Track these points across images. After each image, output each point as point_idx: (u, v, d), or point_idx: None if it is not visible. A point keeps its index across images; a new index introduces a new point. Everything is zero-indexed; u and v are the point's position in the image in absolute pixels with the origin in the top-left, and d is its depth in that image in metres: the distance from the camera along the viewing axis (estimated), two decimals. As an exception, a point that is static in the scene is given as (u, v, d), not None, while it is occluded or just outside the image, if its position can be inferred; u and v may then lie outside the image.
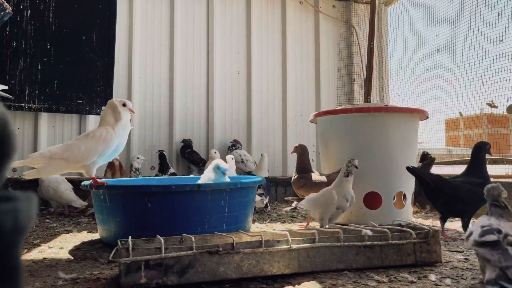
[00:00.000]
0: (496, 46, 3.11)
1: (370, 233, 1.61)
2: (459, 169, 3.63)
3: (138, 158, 3.59)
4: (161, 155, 3.81)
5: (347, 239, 1.57)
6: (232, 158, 3.42)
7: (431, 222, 2.83)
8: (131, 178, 3.23)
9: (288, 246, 1.49)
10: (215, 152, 3.74)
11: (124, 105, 2.09)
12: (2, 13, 2.21)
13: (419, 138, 2.90)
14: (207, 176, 2.32)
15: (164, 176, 3.62)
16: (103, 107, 2.16)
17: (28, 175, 1.97)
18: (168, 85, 4.22)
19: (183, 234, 1.60)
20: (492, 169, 3.25)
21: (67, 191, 3.10)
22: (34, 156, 1.98)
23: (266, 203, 3.36)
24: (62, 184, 3.11)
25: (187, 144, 4.09)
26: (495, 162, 3.37)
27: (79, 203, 3.11)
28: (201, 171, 4.00)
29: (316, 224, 2.43)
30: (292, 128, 4.59)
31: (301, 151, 2.95)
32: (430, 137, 3.89)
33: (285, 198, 2.75)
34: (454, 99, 3.57)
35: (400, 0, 4.61)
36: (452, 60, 3.62)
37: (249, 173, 3.86)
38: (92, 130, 2.09)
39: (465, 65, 3.43)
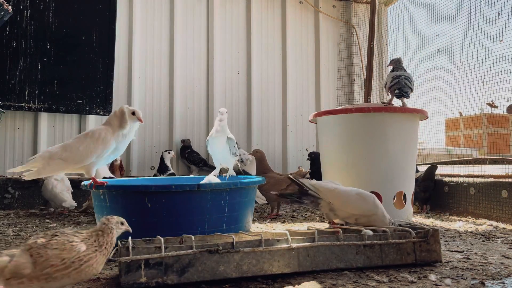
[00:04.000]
0: (496, 46, 3.11)
1: (370, 233, 1.61)
2: (459, 169, 3.63)
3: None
4: (161, 157, 3.81)
5: (347, 238, 1.57)
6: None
7: (431, 222, 2.83)
8: (131, 178, 3.23)
9: (288, 245, 1.49)
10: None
11: (133, 113, 2.06)
12: (2, 13, 2.21)
13: (419, 138, 2.90)
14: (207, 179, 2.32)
15: (163, 176, 3.62)
16: (112, 108, 2.14)
17: (28, 176, 1.96)
18: (168, 85, 4.22)
19: (183, 234, 1.60)
20: (492, 169, 3.25)
21: (62, 192, 3.07)
22: (35, 158, 1.97)
23: None
24: (59, 184, 3.09)
25: (186, 145, 4.10)
26: (495, 162, 3.37)
27: (68, 203, 3.03)
28: (201, 171, 4.00)
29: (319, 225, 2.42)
30: (292, 128, 4.59)
31: (261, 156, 3.24)
32: (430, 137, 3.89)
33: (272, 192, 2.60)
34: (454, 99, 3.57)
35: (400, 0, 4.61)
36: (452, 60, 3.62)
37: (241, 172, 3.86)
38: (91, 129, 2.08)
39: (465, 65, 3.43)
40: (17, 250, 1.12)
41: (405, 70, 2.79)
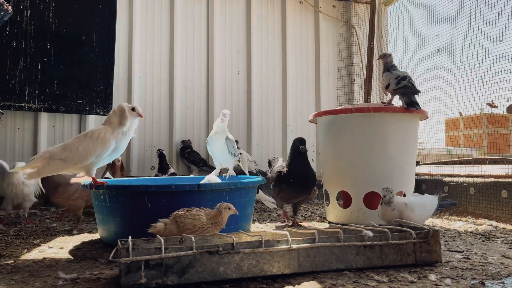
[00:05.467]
0: (496, 46, 3.11)
1: (370, 234, 1.61)
2: (459, 169, 3.63)
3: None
4: (161, 155, 3.81)
5: (347, 239, 1.57)
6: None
7: (431, 222, 2.83)
8: (131, 178, 3.23)
9: (288, 246, 1.49)
10: None
11: (133, 109, 2.07)
12: (2, 13, 2.21)
13: (419, 138, 2.90)
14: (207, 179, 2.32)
15: (164, 176, 3.62)
16: (112, 108, 2.14)
17: (29, 176, 1.97)
18: (168, 85, 4.22)
19: (183, 234, 1.60)
20: (492, 169, 3.25)
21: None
22: (36, 158, 1.98)
23: None
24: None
25: (187, 145, 4.09)
26: (495, 162, 3.37)
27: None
28: (201, 171, 4.00)
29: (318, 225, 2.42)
30: (292, 128, 4.59)
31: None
32: (430, 137, 3.89)
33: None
34: (454, 99, 3.57)
35: (400, 0, 4.61)
36: (452, 60, 3.62)
37: (249, 173, 3.86)
38: (91, 129, 2.08)
39: (465, 65, 3.43)
40: (168, 220, 1.70)
41: (398, 69, 2.76)
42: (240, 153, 3.72)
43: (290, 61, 4.63)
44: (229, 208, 1.74)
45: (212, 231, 1.69)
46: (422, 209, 2.10)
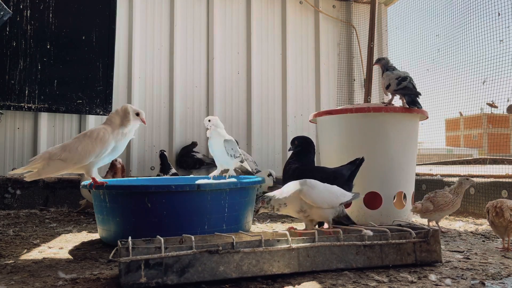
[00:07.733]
0: (496, 46, 3.11)
1: (370, 233, 1.61)
2: (459, 169, 3.63)
3: None
4: (162, 155, 3.81)
5: (347, 238, 1.57)
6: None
7: (432, 222, 2.83)
8: (131, 178, 3.23)
9: (288, 245, 1.49)
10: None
11: (137, 114, 2.07)
12: (2, 13, 2.21)
13: (419, 138, 2.90)
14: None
15: (165, 176, 3.62)
16: (113, 108, 2.14)
17: (29, 177, 1.97)
18: (168, 85, 4.21)
19: (183, 235, 1.60)
20: (492, 169, 3.25)
21: None
22: (35, 159, 1.98)
23: None
24: None
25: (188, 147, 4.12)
26: (495, 162, 3.37)
27: None
28: (199, 171, 3.99)
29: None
30: (292, 128, 4.59)
31: None
32: (430, 137, 3.89)
33: None
34: (454, 99, 3.57)
35: (400, 0, 4.61)
36: (452, 60, 3.62)
37: (249, 173, 3.85)
38: (90, 129, 2.08)
39: (465, 65, 3.43)
40: (422, 200, 2.39)
41: (398, 69, 2.76)
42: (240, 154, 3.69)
43: (290, 61, 4.63)
44: (467, 179, 2.33)
45: (457, 205, 2.29)
46: (325, 192, 1.83)
